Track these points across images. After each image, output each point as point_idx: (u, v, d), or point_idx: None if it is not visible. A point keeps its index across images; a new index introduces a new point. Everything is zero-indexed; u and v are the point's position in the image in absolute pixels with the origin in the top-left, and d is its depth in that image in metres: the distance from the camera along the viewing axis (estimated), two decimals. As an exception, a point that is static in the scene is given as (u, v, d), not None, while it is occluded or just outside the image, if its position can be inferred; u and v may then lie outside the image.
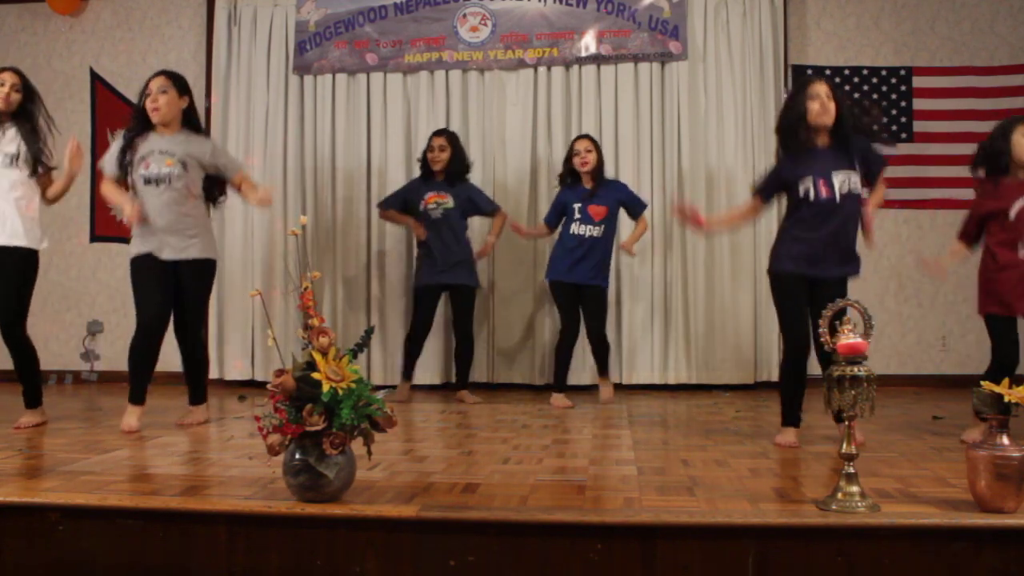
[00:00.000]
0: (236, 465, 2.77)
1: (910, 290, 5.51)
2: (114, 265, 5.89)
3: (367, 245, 5.57)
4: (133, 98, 3.77)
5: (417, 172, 5.02)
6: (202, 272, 3.72)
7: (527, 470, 2.71)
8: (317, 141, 5.65)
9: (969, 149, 5.40)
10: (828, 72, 5.50)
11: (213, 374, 5.56)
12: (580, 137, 4.71)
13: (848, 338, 2.23)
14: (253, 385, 5.51)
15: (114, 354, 5.84)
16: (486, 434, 3.54)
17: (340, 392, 2.12)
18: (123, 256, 3.71)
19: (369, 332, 2.34)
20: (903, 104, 5.51)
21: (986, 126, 5.39)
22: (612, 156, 5.30)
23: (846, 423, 2.21)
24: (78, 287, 6.00)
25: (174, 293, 3.66)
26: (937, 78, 5.51)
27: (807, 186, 3.20)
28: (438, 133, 4.92)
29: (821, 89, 3.20)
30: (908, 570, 2.01)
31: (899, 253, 5.45)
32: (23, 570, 2.21)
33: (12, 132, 3.68)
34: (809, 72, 5.49)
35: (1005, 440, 2.10)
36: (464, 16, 5.55)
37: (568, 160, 4.67)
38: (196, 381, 3.85)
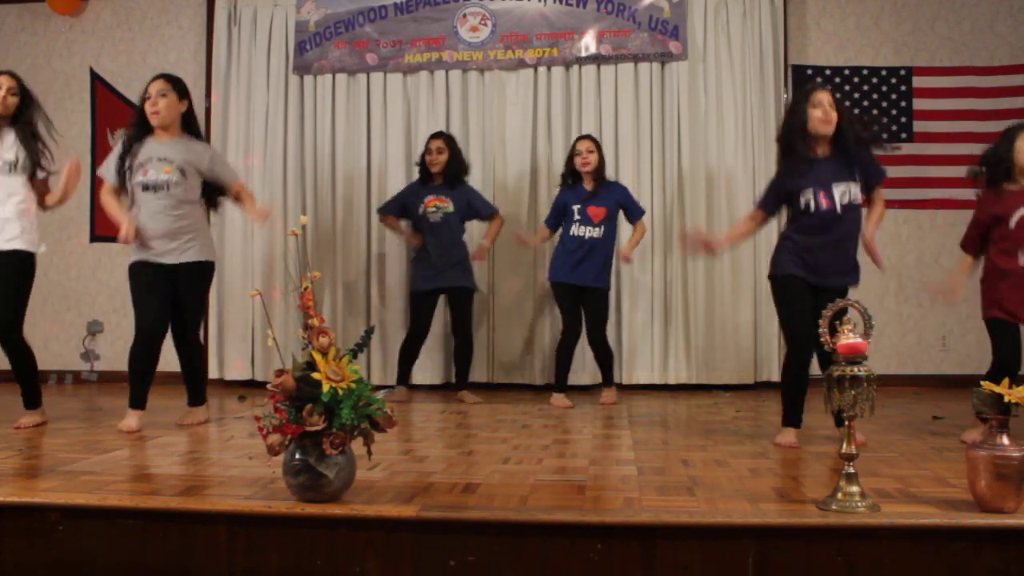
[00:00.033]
0: (236, 465, 2.77)
1: (910, 290, 5.51)
2: (114, 265, 5.89)
3: (367, 245, 5.57)
4: (133, 98, 3.78)
5: (417, 173, 5.03)
6: (199, 275, 3.71)
7: (527, 470, 2.71)
8: (317, 141, 5.65)
9: (969, 149, 5.45)
10: (828, 72, 5.51)
11: (213, 374, 5.59)
12: (582, 137, 4.71)
13: (848, 338, 2.23)
14: (253, 385, 5.51)
15: (114, 354, 5.85)
16: (486, 434, 3.54)
17: (340, 392, 2.12)
18: (123, 256, 3.72)
19: (369, 332, 2.34)
20: (903, 104, 5.51)
21: (986, 126, 5.42)
22: (612, 156, 5.30)
23: (846, 423, 2.21)
24: (78, 287, 6.00)
25: (172, 297, 3.66)
26: (937, 78, 5.51)
27: (808, 198, 3.21)
28: (435, 136, 4.92)
29: (824, 97, 3.20)
30: (908, 570, 2.01)
31: (899, 253, 5.45)
32: (23, 570, 2.21)
33: (11, 138, 3.67)
34: (809, 72, 5.50)
35: (1005, 440, 2.10)
36: (464, 16, 5.55)
37: (570, 160, 4.67)
38: (195, 384, 3.86)
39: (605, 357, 4.68)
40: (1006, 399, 2.12)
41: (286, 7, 5.70)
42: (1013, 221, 3.32)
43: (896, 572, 2.01)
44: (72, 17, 6.05)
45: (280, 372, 2.16)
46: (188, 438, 3.43)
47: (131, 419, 3.57)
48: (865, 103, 5.51)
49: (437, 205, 4.81)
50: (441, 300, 4.96)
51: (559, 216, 4.70)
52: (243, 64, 5.72)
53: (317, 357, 2.15)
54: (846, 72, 5.52)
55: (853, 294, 3.22)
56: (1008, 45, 5.50)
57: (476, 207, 4.90)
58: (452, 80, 5.58)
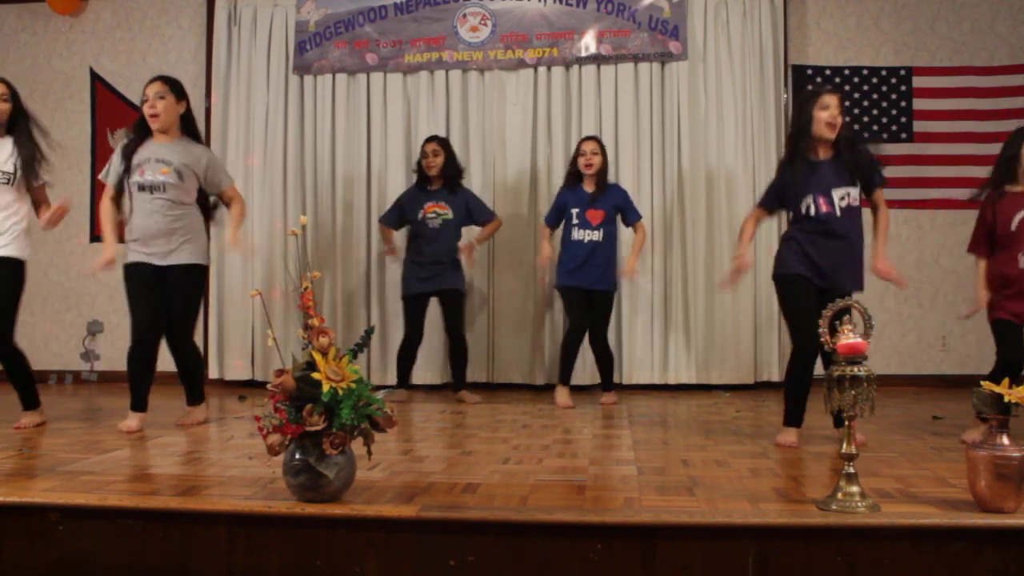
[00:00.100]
0: (236, 465, 2.77)
1: (910, 290, 5.51)
2: (115, 265, 5.88)
3: (367, 245, 5.57)
4: (133, 98, 3.78)
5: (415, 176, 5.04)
6: (191, 277, 3.68)
7: (527, 470, 2.71)
8: (317, 141, 5.65)
9: (969, 149, 5.46)
10: (828, 72, 5.51)
11: (213, 374, 5.59)
12: (587, 138, 4.70)
13: (848, 338, 2.23)
14: (253, 385, 5.51)
15: (114, 354, 5.85)
16: (486, 434, 3.54)
17: (340, 392, 2.12)
18: (123, 257, 3.72)
19: (369, 332, 2.34)
20: (903, 104, 5.51)
21: (986, 126, 5.42)
22: (612, 156, 5.29)
23: (846, 423, 2.21)
24: (78, 287, 6.00)
25: (165, 299, 3.64)
26: (937, 78, 5.51)
27: (808, 202, 3.24)
28: (430, 139, 4.92)
29: (832, 101, 3.22)
30: (908, 570, 2.01)
31: (899, 253, 5.45)
32: (23, 570, 2.21)
33: (9, 148, 3.66)
34: (809, 72, 5.50)
35: (1005, 440, 2.10)
36: (464, 16, 5.56)
37: (573, 160, 4.67)
38: (191, 384, 3.85)
39: (606, 360, 4.68)
40: (1006, 399, 2.12)
41: (286, 7, 5.70)
42: (1014, 223, 3.32)
43: (896, 572, 2.00)
44: (72, 17, 6.05)
45: (280, 372, 2.16)
46: (188, 438, 3.43)
47: (132, 420, 3.57)
48: (865, 103, 5.51)
49: (437, 212, 4.81)
50: (433, 302, 4.94)
51: (559, 215, 4.70)
52: (243, 64, 5.72)
53: (317, 357, 2.15)
54: (846, 72, 5.52)
55: (858, 293, 3.24)
56: (1008, 45, 5.50)
57: (475, 214, 4.90)
58: (452, 80, 5.58)
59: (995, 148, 3.68)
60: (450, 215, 4.81)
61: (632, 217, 4.70)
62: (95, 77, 6.00)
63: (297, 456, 2.16)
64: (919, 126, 5.50)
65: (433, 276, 4.77)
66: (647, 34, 5.42)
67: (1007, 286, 3.35)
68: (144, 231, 3.59)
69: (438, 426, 3.86)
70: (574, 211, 4.60)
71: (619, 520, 2.09)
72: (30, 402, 3.76)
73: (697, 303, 5.37)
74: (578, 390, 5.26)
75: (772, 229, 5.34)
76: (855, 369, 2.20)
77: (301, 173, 5.67)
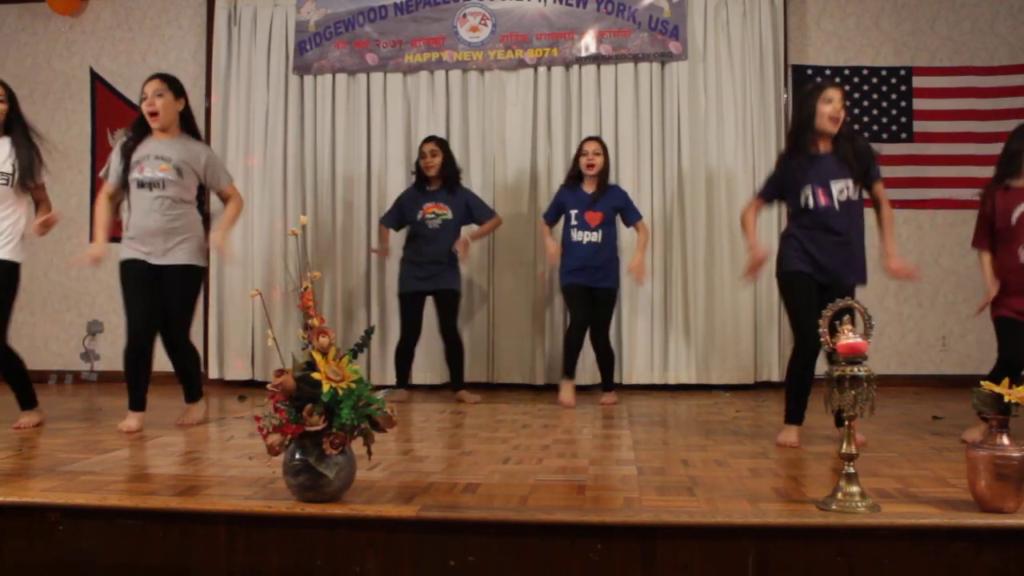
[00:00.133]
0: (236, 465, 2.77)
1: (910, 290, 5.51)
2: (114, 265, 5.78)
3: (367, 245, 5.57)
4: (133, 98, 3.77)
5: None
6: (187, 278, 3.66)
7: (527, 470, 2.71)
8: (317, 141, 5.65)
9: (969, 149, 5.46)
10: (828, 72, 5.51)
11: (213, 374, 5.59)
12: (590, 138, 4.70)
13: (848, 338, 2.23)
14: (253, 385, 5.51)
15: (114, 354, 5.84)
16: (486, 434, 3.54)
17: (340, 392, 2.12)
18: (116, 256, 3.71)
19: (369, 332, 2.34)
20: (903, 104, 5.51)
21: (986, 126, 5.42)
22: (612, 156, 5.28)
23: (846, 424, 2.21)
24: (78, 287, 6.00)
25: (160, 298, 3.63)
26: (937, 78, 5.51)
27: (807, 194, 3.25)
28: (427, 140, 4.93)
29: (836, 95, 3.23)
30: (908, 570, 2.01)
31: (899, 253, 5.44)
32: (23, 570, 2.21)
33: (7, 150, 3.65)
34: (809, 72, 5.50)
35: (1005, 440, 2.09)
36: (464, 16, 5.56)
37: (575, 160, 4.67)
38: (189, 383, 3.82)
39: (606, 359, 4.69)
40: (1006, 399, 2.12)
41: (286, 7, 5.70)
42: (1014, 217, 3.32)
43: (896, 572, 2.00)
44: (72, 17, 6.05)
45: (280, 372, 2.16)
46: (188, 438, 3.43)
47: (131, 420, 3.57)
48: (865, 103, 5.51)
49: (436, 212, 4.82)
50: (429, 301, 4.93)
51: (556, 213, 4.71)
52: (243, 64, 5.72)
53: (317, 357, 2.15)
54: (846, 72, 5.52)
55: (858, 293, 3.24)
56: (1008, 45, 5.50)
57: (475, 212, 4.90)
58: (452, 80, 5.58)
59: (995, 148, 3.69)
60: (449, 215, 4.82)
61: (633, 217, 4.70)
62: (95, 77, 6.00)
63: (297, 456, 2.15)
64: (919, 126, 5.50)
65: (430, 276, 4.78)
66: (647, 34, 5.43)
67: (1009, 282, 3.34)
68: (143, 228, 3.58)
69: (438, 426, 3.86)
70: (573, 212, 4.61)
71: (619, 520, 2.08)
72: (27, 402, 3.76)
73: (697, 303, 5.37)
74: (578, 390, 5.25)
75: (772, 230, 5.34)
76: (855, 369, 2.20)
77: (301, 173, 5.67)
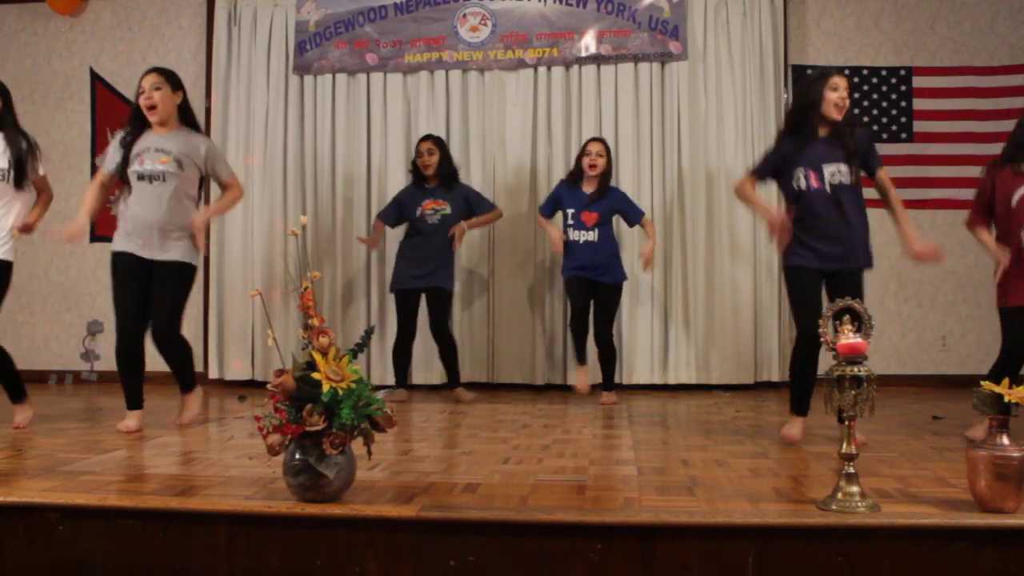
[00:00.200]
0: (236, 465, 2.77)
1: (910, 290, 5.52)
2: (114, 265, 5.88)
3: (367, 245, 5.56)
4: (133, 98, 3.76)
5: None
6: (179, 275, 3.61)
7: (527, 470, 2.71)
8: (317, 141, 5.65)
9: (969, 149, 5.46)
10: (828, 72, 5.50)
11: (213, 374, 5.59)
12: (594, 139, 4.71)
13: (848, 338, 2.23)
14: (253, 385, 5.51)
15: (114, 354, 5.83)
16: (486, 434, 3.54)
17: (340, 392, 2.12)
18: (100, 251, 3.70)
19: (369, 332, 2.34)
20: (903, 104, 5.52)
21: (986, 126, 5.42)
22: (613, 156, 5.29)
23: (846, 424, 2.21)
24: (78, 287, 6.00)
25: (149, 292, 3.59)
26: (937, 78, 5.51)
27: (799, 176, 3.28)
28: (425, 138, 4.94)
29: (842, 83, 3.27)
30: (908, 570, 2.01)
31: (899, 253, 5.39)
32: (23, 570, 2.21)
33: (1, 146, 3.65)
34: (809, 72, 5.49)
35: (1005, 440, 2.09)
36: (464, 16, 5.56)
37: (578, 159, 4.68)
38: (183, 374, 3.76)
39: (609, 358, 4.68)
40: (1006, 399, 2.12)
41: (286, 7, 5.70)
42: (1015, 200, 3.33)
43: (896, 572, 2.00)
44: (72, 17, 6.05)
45: (280, 372, 2.16)
46: (188, 438, 3.43)
47: (130, 420, 3.57)
48: (865, 103, 5.51)
49: (435, 208, 4.82)
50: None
51: (553, 207, 4.74)
52: (243, 64, 5.72)
53: (317, 357, 2.15)
54: (846, 72, 5.51)
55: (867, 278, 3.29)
56: (1008, 45, 5.50)
57: (475, 206, 4.91)
58: (452, 80, 5.58)
59: (995, 148, 3.69)
60: (448, 210, 4.82)
61: (635, 216, 4.71)
62: (95, 77, 6.00)
63: (297, 456, 2.15)
64: (919, 126, 5.50)
65: (425, 274, 4.78)
66: (647, 34, 5.43)
67: (1010, 267, 3.34)
68: (141, 221, 3.55)
69: (438, 426, 3.86)
70: (569, 211, 4.62)
71: (619, 520, 2.08)
72: (19, 395, 3.75)
73: (697, 303, 5.37)
74: (578, 390, 5.27)
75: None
76: (855, 369, 2.19)
77: (301, 173, 5.67)
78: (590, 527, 2.07)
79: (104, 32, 6.05)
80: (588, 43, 5.46)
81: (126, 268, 3.58)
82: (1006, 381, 2.17)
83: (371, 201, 5.56)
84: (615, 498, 2.31)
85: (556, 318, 5.43)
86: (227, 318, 5.65)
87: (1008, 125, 3.74)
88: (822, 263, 3.27)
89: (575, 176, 4.68)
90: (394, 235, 5.23)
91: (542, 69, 5.50)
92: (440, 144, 4.91)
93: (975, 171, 3.67)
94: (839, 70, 3.39)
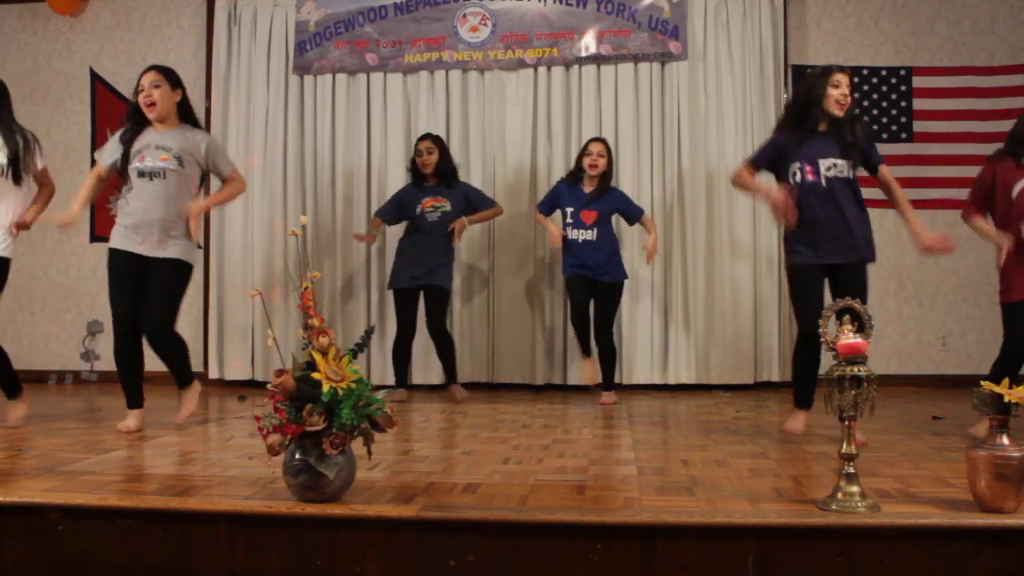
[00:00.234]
0: (236, 465, 2.77)
1: (910, 290, 5.52)
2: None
3: (367, 245, 5.56)
4: (131, 96, 3.76)
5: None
6: (175, 272, 3.58)
7: (527, 470, 2.71)
8: (317, 141, 5.66)
9: (969, 149, 5.46)
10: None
11: (213, 374, 5.59)
12: (595, 139, 4.72)
13: (848, 338, 2.23)
14: (253, 385, 5.51)
15: (113, 353, 5.84)
16: (486, 434, 3.54)
17: (340, 392, 2.12)
18: (96, 249, 3.70)
19: (369, 332, 2.34)
20: (903, 104, 5.51)
21: (986, 126, 5.42)
22: (613, 156, 5.30)
23: (846, 424, 2.21)
24: (78, 287, 6.00)
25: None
26: (937, 78, 5.51)
27: (795, 170, 3.30)
28: (423, 137, 4.95)
29: (844, 79, 3.29)
30: (908, 570, 2.01)
31: (899, 253, 5.45)
32: (23, 570, 2.21)
33: None
34: (809, 72, 5.49)
35: (1005, 440, 2.09)
36: (464, 16, 5.56)
37: (579, 158, 4.69)
38: (179, 370, 3.72)
39: (609, 357, 4.68)
40: (1006, 399, 2.12)
41: (286, 7, 5.70)
42: (1015, 191, 3.33)
43: (896, 572, 2.00)
44: (72, 17, 6.05)
45: (280, 372, 2.16)
46: (188, 438, 3.43)
47: (130, 419, 3.56)
48: (865, 103, 5.51)
49: (435, 205, 4.84)
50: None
51: (551, 205, 4.75)
52: (243, 64, 5.72)
53: (317, 357, 2.15)
54: (844, 69, 5.52)
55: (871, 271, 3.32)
56: (1008, 45, 5.50)
57: (475, 203, 4.92)
58: (452, 80, 5.58)
59: (995, 148, 3.68)
60: (448, 207, 4.83)
61: (635, 214, 4.72)
62: (95, 77, 6.00)
63: (297, 456, 2.15)
64: (919, 126, 5.50)
65: (423, 272, 4.79)
66: (647, 34, 5.43)
67: (1012, 256, 3.34)
68: (141, 218, 3.53)
69: (438, 426, 3.86)
70: (568, 210, 4.63)
71: (619, 520, 2.08)
72: (15, 391, 3.76)
73: (697, 303, 5.37)
74: (579, 390, 5.27)
75: (773, 241, 5.35)
76: (855, 369, 2.19)
77: (301, 173, 5.67)
78: (590, 527, 2.07)
79: (104, 32, 6.05)
80: (588, 43, 5.46)
81: (122, 266, 3.57)
82: (1006, 381, 2.16)
83: (371, 201, 5.56)
84: (615, 498, 2.31)
85: (556, 318, 5.43)
86: (227, 318, 5.65)
87: (1008, 125, 3.74)
88: (822, 258, 3.29)
89: (575, 175, 4.70)
90: (394, 233, 5.24)
91: (542, 69, 5.50)
92: (439, 143, 4.92)
93: (975, 171, 3.68)
94: (841, 67, 3.39)
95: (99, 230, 5.84)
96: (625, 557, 2.04)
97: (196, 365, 5.56)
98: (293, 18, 5.68)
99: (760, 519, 2.07)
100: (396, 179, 5.46)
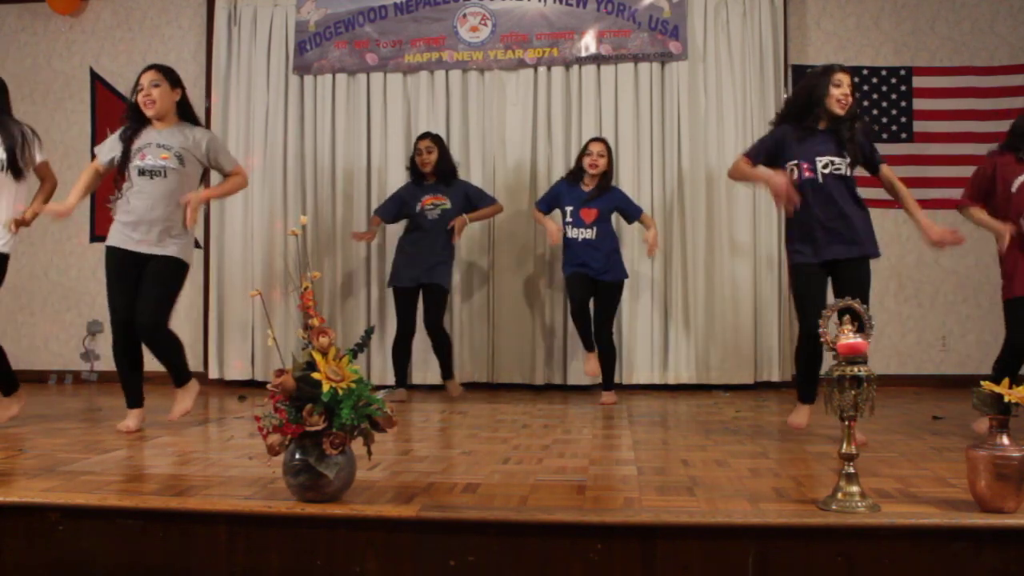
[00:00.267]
0: (236, 465, 2.77)
1: (910, 290, 5.52)
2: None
3: (367, 245, 5.56)
4: (130, 94, 3.75)
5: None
6: (171, 269, 3.56)
7: (527, 470, 2.71)
8: (317, 141, 5.66)
9: (969, 149, 5.46)
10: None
11: (213, 374, 5.59)
12: (596, 139, 4.72)
13: (848, 338, 2.23)
14: (253, 385, 5.51)
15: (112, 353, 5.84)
16: (486, 434, 3.54)
17: (340, 392, 2.12)
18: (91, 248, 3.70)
19: (369, 332, 2.34)
20: (903, 104, 5.51)
21: (986, 126, 5.42)
22: (613, 156, 5.30)
23: (846, 424, 2.21)
24: (78, 287, 6.00)
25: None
26: (937, 78, 5.51)
27: (791, 167, 3.31)
28: (423, 136, 4.95)
29: (845, 79, 3.32)
30: (908, 570, 2.01)
31: (899, 253, 5.45)
32: (23, 570, 2.21)
33: None
34: (809, 72, 5.49)
35: (1005, 440, 2.09)
36: (464, 16, 5.56)
37: (579, 158, 4.69)
38: (176, 370, 3.70)
39: (609, 355, 4.68)
40: (1006, 399, 2.12)
41: (286, 7, 5.70)
42: (1015, 185, 3.34)
43: (896, 572, 2.00)
44: (72, 17, 6.05)
45: (280, 372, 2.16)
46: (188, 438, 3.43)
47: (130, 419, 3.56)
48: (865, 103, 5.50)
49: (435, 203, 4.84)
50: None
51: (550, 203, 4.75)
52: (243, 64, 5.72)
53: (317, 357, 2.15)
54: (845, 68, 5.52)
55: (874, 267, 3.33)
56: (1008, 45, 5.50)
57: (474, 200, 4.93)
58: (452, 80, 5.58)
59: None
60: (448, 205, 4.84)
61: (634, 213, 4.73)
62: (95, 77, 6.00)
63: (297, 456, 2.15)
64: (919, 126, 5.50)
65: (423, 270, 4.79)
66: (647, 34, 5.43)
67: (1012, 250, 3.34)
68: (139, 214, 3.52)
69: (438, 426, 3.86)
70: (568, 209, 4.64)
71: (619, 520, 2.08)
72: (11, 387, 3.75)
73: (697, 303, 5.37)
74: (578, 390, 5.27)
75: (773, 233, 5.35)
76: (855, 369, 2.19)
77: (301, 173, 5.67)
78: (590, 527, 2.07)
79: (104, 32, 6.05)
80: (588, 43, 5.46)
81: (120, 264, 3.56)
82: (1006, 381, 2.17)
83: (371, 200, 5.56)
84: (615, 498, 2.31)
85: (556, 318, 5.43)
86: (227, 318, 5.65)
87: (1008, 125, 3.75)
88: (822, 256, 3.30)
89: (575, 175, 4.70)
90: (394, 232, 5.24)
91: (542, 69, 5.50)
92: (439, 142, 4.92)
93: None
94: (842, 67, 3.40)
95: (99, 230, 5.84)
96: (625, 557, 2.04)
97: (196, 365, 5.61)
98: (293, 18, 5.68)
99: (760, 519, 2.07)
100: (396, 179, 5.46)
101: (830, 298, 3.32)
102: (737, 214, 5.36)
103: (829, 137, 3.30)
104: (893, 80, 5.52)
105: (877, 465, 2.76)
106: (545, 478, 2.58)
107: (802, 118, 3.33)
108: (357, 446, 2.23)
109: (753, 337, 5.34)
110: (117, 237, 3.58)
